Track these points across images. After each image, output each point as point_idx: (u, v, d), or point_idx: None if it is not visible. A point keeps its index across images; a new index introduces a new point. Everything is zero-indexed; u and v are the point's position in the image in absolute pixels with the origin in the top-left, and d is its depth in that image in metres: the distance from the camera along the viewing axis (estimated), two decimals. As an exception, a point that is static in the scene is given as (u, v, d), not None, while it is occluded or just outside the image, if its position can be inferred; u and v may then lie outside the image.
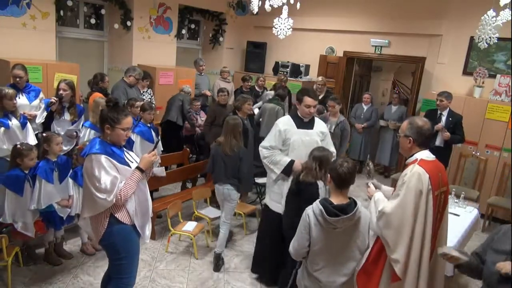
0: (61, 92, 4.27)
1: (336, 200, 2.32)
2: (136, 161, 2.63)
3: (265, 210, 3.68)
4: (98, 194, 2.39)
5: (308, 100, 3.39)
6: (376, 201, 2.57)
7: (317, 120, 3.64)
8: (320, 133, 3.55)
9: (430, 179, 2.40)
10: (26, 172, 3.36)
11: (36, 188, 3.33)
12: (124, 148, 2.62)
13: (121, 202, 2.45)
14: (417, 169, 2.40)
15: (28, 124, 4.00)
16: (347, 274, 2.39)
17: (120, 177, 2.46)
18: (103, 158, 2.42)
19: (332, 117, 5.06)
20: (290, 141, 3.43)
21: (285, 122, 3.50)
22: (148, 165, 2.57)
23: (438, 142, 5.21)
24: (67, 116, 4.39)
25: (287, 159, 3.38)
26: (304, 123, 3.49)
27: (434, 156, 2.54)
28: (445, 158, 5.26)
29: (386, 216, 2.41)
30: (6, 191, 3.32)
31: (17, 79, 4.21)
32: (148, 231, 2.75)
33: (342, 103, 5.79)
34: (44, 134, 3.65)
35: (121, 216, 2.53)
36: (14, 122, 3.84)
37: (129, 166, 2.55)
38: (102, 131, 2.55)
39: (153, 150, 2.65)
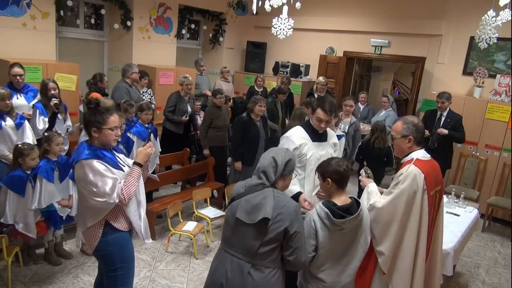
0: (52, 92, 4.24)
1: (339, 201, 2.32)
2: (128, 165, 2.50)
3: None
4: (99, 199, 2.27)
5: (320, 113, 2.95)
6: (369, 192, 2.59)
7: (328, 130, 3.23)
8: (333, 145, 3.20)
9: (425, 179, 2.42)
10: (28, 172, 3.36)
11: (37, 187, 3.33)
12: (114, 152, 2.50)
13: (125, 201, 2.33)
14: (413, 169, 2.41)
15: (26, 123, 3.93)
16: (351, 274, 2.39)
17: (118, 177, 2.35)
18: (95, 162, 2.29)
19: (346, 117, 4.99)
20: (307, 157, 2.99)
21: (299, 136, 3.04)
22: (145, 158, 2.47)
23: (437, 143, 5.21)
24: (59, 116, 4.38)
25: (295, 189, 2.89)
26: (318, 135, 3.08)
27: (429, 156, 2.54)
28: (446, 159, 5.26)
29: (376, 211, 2.45)
30: (7, 192, 3.31)
31: (18, 77, 4.19)
32: (143, 227, 2.57)
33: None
34: (45, 134, 3.65)
35: (117, 223, 2.42)
36: (8, 123, 3.76)
37: (122, 170, 2.42)
38: (89, 135, 2.42)
39: (147, 142, 2.57)
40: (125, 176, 2.39)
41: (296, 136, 3.03)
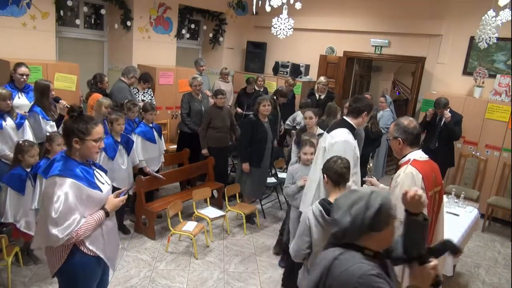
0: (53, 93, 4.22)
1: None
2: (107, 182, 2.30)
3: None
4: (51, 228, 1.99)
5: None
6: None
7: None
8: None
9: (423, 179, 2.41)
10: (28, 170, 3.36)
11: (37, 187, 3.33)
12: (93, 167, 2.28)
13: (73, 240, 2.08)
14: (410, 170, 2.41)
15: (26, 123, 3.92)
16: None
17: (81, 212, 2.09)
18: (69, 183, 2.05)
19: None
20: (358, 157, 3.09)
21: (352, 138, 3.05)
22: (114, 209, 2.27)
23: (436, 143, 5.22)
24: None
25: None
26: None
27: (427, 156, 2.54)
28: (448, 157, 5.26)
29: None
30: (7, 190, 3.31)
31: (24, 77, 4.19)
32: (114, 261, 2.39)
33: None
34: (47, 134, 3.65)
35: (85, 247, 2.16)
36: (8, 123, 3.76)
37: (100, 189, 2.20)
38: (69, 146, 2.17)
39: (124, 195, 2.34)
40: (99, 201, 2.19)
41: (351, 139, 3.03)
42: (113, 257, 2.37)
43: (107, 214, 2.22)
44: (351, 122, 3.10)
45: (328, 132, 3.17)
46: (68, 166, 2.11)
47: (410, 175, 2.39)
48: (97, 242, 2.20)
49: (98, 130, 2.19)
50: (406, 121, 2.52)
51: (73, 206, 2.05)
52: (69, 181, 2.06)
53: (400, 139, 2.49)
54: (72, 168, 2.11)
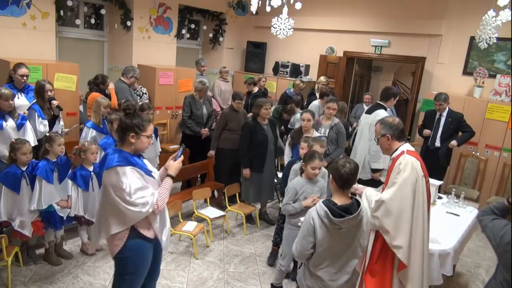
0: (49, 93, 4.22)
1: (339, 200, 2.33)
2: (153, 170, 2.52)
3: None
4: (131, 208, 2.26)
5: None
6: (368, 195, 2.61)
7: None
8: None
9: (422, 166, 2.53)
10: (23, 169, 3.35)
11: (36, 188, 3.32)
12: (141, 157, 2.50)
13: (157, 212, 2.36)
14: (409, 158, 2.51)
15: (27, 124, 3.91)
16: (350, 272, 2.42)
17: (151, 187, 2.37)
18: (129, 169, 2.29)
19: (325, 120, 4.69)
20: None
21: None
22: (177, 171, 2.51)
23: (437, 143, 5.21)
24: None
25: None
26: None
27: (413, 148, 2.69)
28: (445, 155, 5.26)
29: (385, 204, 2.46)
30: (2, 188, 3.30)
31: (25, 78, 4.20)
32: (165, 237, 2.58)
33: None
34: (47, 134, 3.65)
35: (144, 229, 2.41)
36: (9, 123, 3.73)
37: (152, 176, 2.45)
38: (123, 140, 2.40)
39: (180, 156, 2.56)
40: (156, 184, 2.44)
41: None
42: (167, 237, 2.56)
43: (173, 179, 2.48)
44: (384, 105, 4.43)
45: (366, 113, 4.66)
46: (124, 156, 2.33)
47: (410, 163, 2.48)
48: (154, 223, 2.43)
49: (151, 127, 2.45)
50: (390, 118, 2.72)
51: (142, 185, 2.30)
52: (129, 168, 2.29)
53: (388, 135, 2.63)
54: (128, 158, 2.34)
